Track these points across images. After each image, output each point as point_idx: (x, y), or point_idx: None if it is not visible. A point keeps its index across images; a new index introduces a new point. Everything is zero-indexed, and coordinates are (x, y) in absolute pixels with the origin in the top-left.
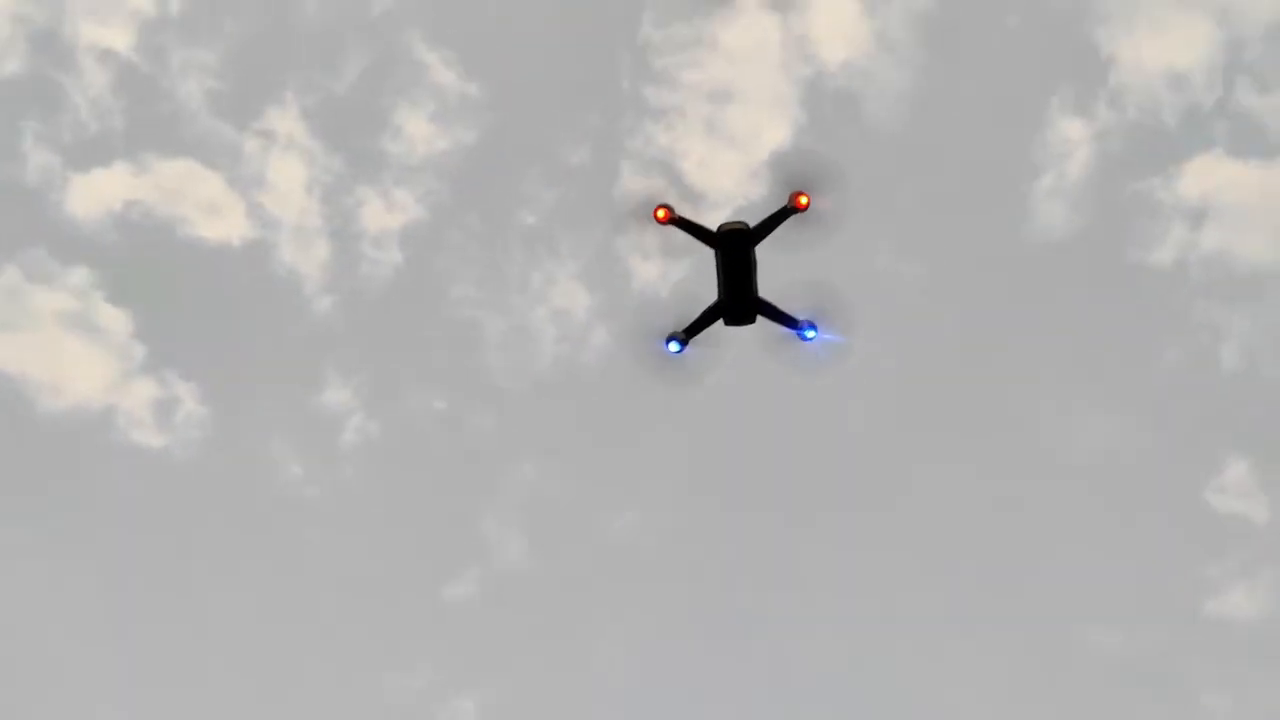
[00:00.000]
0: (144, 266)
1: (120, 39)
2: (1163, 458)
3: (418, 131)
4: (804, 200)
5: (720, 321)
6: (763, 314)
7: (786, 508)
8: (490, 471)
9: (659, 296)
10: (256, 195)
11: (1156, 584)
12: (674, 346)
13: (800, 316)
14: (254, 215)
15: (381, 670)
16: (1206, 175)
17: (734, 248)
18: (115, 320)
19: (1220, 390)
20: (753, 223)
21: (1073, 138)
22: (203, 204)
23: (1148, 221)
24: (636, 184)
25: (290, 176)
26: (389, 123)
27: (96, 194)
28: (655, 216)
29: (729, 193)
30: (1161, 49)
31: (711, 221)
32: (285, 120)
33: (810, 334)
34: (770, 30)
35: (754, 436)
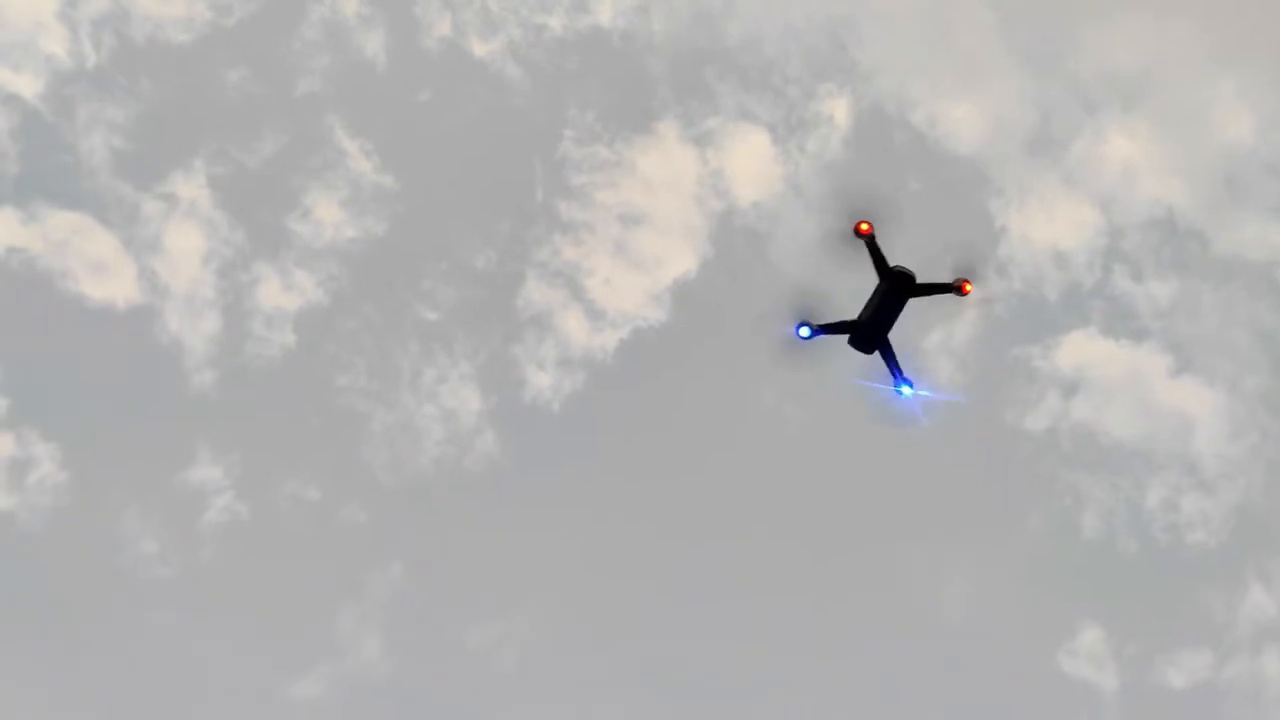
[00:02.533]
0: (19, 317)
1: (29, 86)
2: (1021, 618)
3: (327, 215)
4: (969, 288)
5: (846, 338)
6: (881, 353)
7: (659, 631)
8: (355, 568)
9: (551, 408)
10: (150, 259)
11: None
12: (804, 331)
13: (903, 372)
14: (145, 279)
15: None
16: (1081, 350)
17: (895, 288)
18: None
19: (1079, 557)
20: (921, 279)
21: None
22: (91, 261)
23: (1025, 387)
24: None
25: (188, 245)
26: (299, 203)
27: None
28: (858, 227)
29: (628, 312)
30: (1049, 228)
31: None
32: (190, 187)
33: (906, 389)
34: (687, 162)
35: (627, 557)
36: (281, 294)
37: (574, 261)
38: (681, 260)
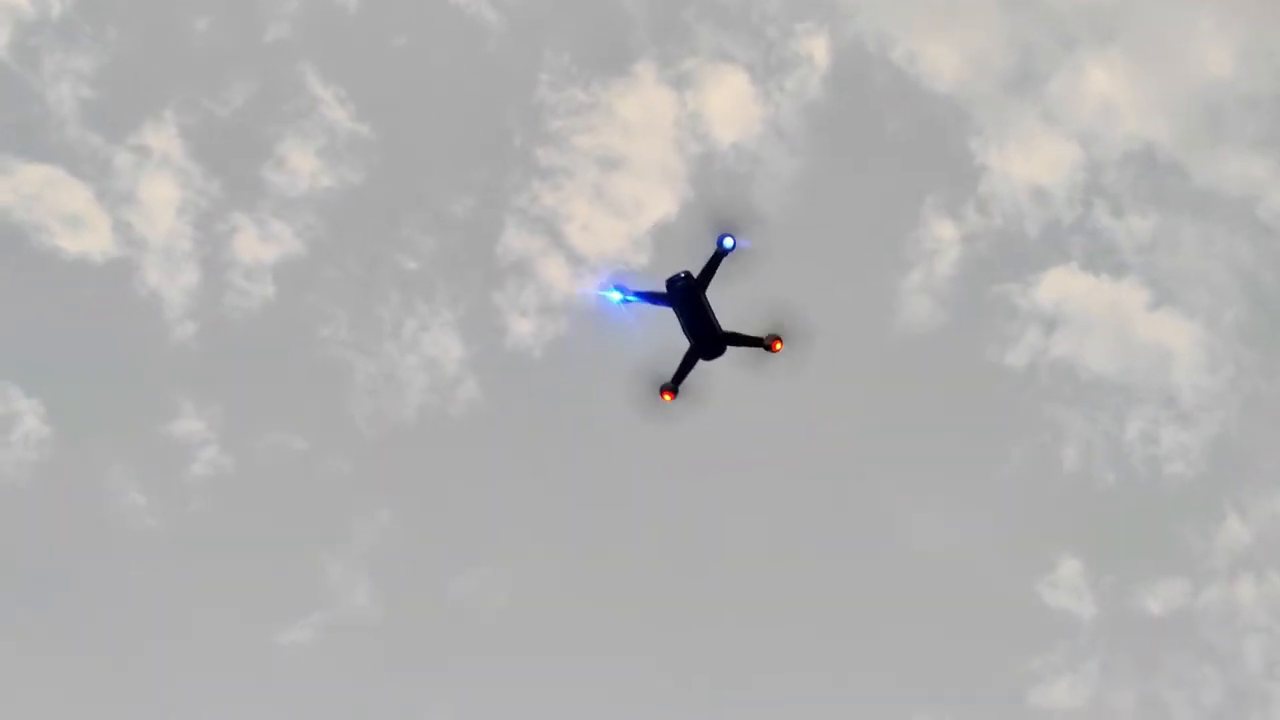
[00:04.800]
0: None
1: None
2: (1001, 550)
3: (303, 165)
4: (779, 346)
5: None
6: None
7: (644, 575)
8: (342, 517)
9: (533, 355)
10: (125, 212)
11: (984, 672)
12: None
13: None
14: (120, 232)
15: (200, 713)
16: (1061, 286)
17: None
18: None
19: (1059, 490)
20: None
21: (943, 238)
22: (65, 215)
23: (1005, 324)
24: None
25: (162, 196)
26: (273, 152)
27: None
28: (664, 395)
29: (609, 257)
30: (1029, 165)
31: None
32: (162, 138)
33: (614, 294)
34: (665, 105)
35: (615, 502)
36: (259, 245)
37: (553, 207)
38: (661, 204)
